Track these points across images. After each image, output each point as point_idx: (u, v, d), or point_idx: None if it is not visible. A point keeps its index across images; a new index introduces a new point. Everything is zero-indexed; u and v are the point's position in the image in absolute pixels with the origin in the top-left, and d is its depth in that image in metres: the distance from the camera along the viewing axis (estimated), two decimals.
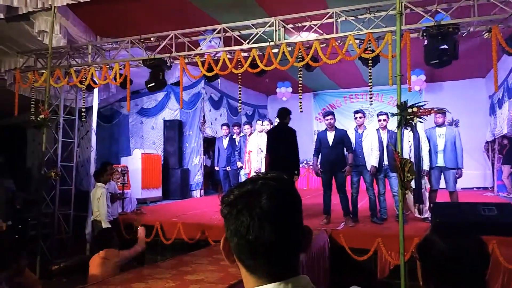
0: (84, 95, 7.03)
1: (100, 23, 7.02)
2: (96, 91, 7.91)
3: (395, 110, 4.13)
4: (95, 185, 5.83)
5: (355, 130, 6.20)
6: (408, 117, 3.83)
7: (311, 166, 6.16)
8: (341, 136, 5.96)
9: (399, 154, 4.00)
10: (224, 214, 0.84)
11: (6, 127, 10.16)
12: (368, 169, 5.96)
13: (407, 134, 5.73)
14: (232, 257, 0.84)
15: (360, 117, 6.15)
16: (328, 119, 6.03)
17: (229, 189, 0.87)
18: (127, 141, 10.19)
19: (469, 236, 1.24)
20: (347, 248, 5.13)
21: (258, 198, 0.80)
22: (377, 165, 5.93)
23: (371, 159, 5.94)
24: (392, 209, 6.15)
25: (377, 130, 6.15)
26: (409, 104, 4.00)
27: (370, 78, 5.41)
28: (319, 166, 6.05)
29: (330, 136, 5.99)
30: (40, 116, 6.19)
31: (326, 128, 6.14)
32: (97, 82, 6.93)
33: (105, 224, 5.51)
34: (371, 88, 5.47)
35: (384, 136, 6.05)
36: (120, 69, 6.67)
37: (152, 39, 6.54)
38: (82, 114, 7.00)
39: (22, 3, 5.76)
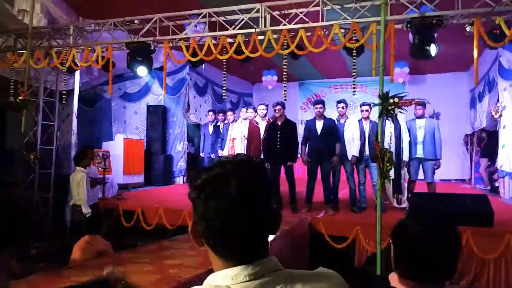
0: (65, 77, 6.88)
1: (82, 4, 6.85)
2: (77, 73, 7.75)
3: (377, 101, 4.18)
4: (75, 169, 5.75)
5: (337, 120, 6.25)
6: (389, 107, 3.87)
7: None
8: (330, 126, 5.99)
9: (380, 144, 4.05)
10: (192, 198, 0.83)
11: None
12: (349, 158, 6.03)
13: (389, 125, 5.81)
14: (200, 240, 0.84)
15: (343, 107, 6.20)
16: (317, 108, 6.05)
17: (197, 172, 0.85)
18: (109, 125, 10.04)
19: (441, 221, 1.27)
20: (326, 236, 5.21)
21: (226, 182, 0.79)
22: (358, 155, 6.00)
23: (352, 149, 6.01)
24: (372, 198, 6.24)
25: (359, 120, 6.21)
26: (391, 95, 4.04)
27: (354, 68, 5.44)
28: (306, 155, 6.10)
29: (319, 125, 6.02)
30: (19, 98, 6.05)
31: (315, 117, 6.16)
32: (78, 64, 6.78)
33: (85, 209, 5.46)
34: (354, 78, 5.50)
35: (366, 126, 6.11)
36: (103, 51, 6.52)
37: (136, 22, 6.39)
38: (63, 96, 6.86)
39: None
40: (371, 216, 5.58)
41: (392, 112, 4.06)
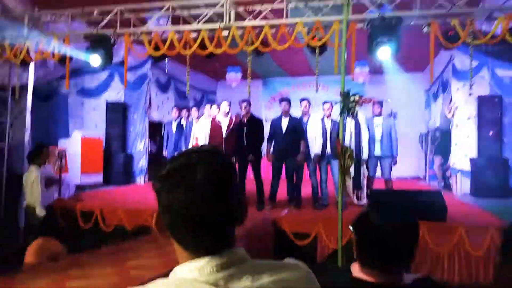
0: (18, 70, 6.52)
1: None
2: (32, 67, 7.37)
3: (339, 99, 4.26)
4: (28, 169, 5.46)
5: (300, 118, 6.32)
6: (350, 105, 3.96)
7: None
8: (295, 124, 6.05)
9: (341, 142, 4.14)
10: (157, 189, 0.81)
11: None
12: (312, 156, 6.12)
13: (349, 123, 5.95)
14: (165, 232, 0.82)
15: (306, 106, 6.29)
16: (283, 105, 6.10)
17: (161, 163, 0.84)
18: (66, 122, 9.60)
19: (402, 212, 1.31)
20: (289, 233, 5.26)
21: (192, 172, 0.77)
22: (320, 153, 6.10)
23: (315, 147, 6.10)
24: (333, 196, 6.38)
25: (322, 118, 6.32)
26: (351, 93, 4.14)
27: (317, 67, 5.53)
28: (271, 152, 6.13)
29: (284, 123, 6.06)
30: None
31: (280, 115, 6.20)
32: (33, 57, 6.45)
33: (40, 211, 5.20)
34: (317, 76, 5.59)
35: (328, 124, 6.22)
36: (59, 44, 6.24)
37: (95, 13, 6.16)
38: (16, 91, 6.50)
39: None
40: (331, 212, 5.71)
41: (353, 109, 4.16)
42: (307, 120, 6.26)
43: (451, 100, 8.07)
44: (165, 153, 8.27)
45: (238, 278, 0.76)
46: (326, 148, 6.15)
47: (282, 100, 6.24)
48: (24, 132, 7.57)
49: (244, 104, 6.11)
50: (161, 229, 0.82)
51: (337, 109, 4.60)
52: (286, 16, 5.49)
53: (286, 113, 6.09)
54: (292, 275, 0.82)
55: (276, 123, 6.17)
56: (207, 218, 0.77)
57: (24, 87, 7.32)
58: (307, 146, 6.11)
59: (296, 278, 0.83)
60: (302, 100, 6.38)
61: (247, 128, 6.10)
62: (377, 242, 1.25)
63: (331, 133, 6.05)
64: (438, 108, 9.17)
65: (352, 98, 3.93)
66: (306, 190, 6.69)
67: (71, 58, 6.24)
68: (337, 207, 4.32)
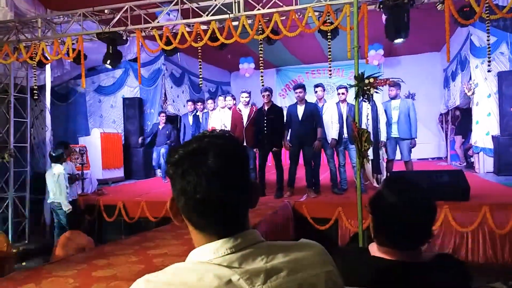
0: (35, 72, 6.67)
1: None
2: (48, 68, 7.53)
3: (353, 83, 4.21)
4: (51, 166, 5.61)
5: (315, 103, 6.28)
6: (365, 88, 3.90)
7: None
8: (311, 110, 6.01)
9: (357, 125, 4.09)
10: (170, 174, 0.82)
11: None
12: (329, 141, 6.09)
13: (366, 107, 5.88)
14: (180, 216, 0.83)
15: (320, 91, 6.23)
16: (297, 92, 6.06)
17: (174, 148, 0.85)
18: (85, 120, 9.80)
19: (417, 190, 1.30)
20: (309, 218, 5.28)
21: (204, 156, 0.78)
22: (337, 138, 6.06)
23: (332, 132, 6.06)
24: (353, 180, 6.35)
25: (337, 103, 6.26)
26: (366, 76, 4.07)
27: (330, 51, 5.46)
28: (288, 139, 6.12)
29: (300, 110, 6.03)
30: None
31: (296, 102, 6.17)
32: (48, 57, 6.58)
33: (65, 206, 5.36)
34: (330, 60, 5.52)
35: (344, 109, 6.17)
36: (73, 43, 6.34)
37: (106, 11, 6.22)
38: (35, 92, 6.66)
39: None
40: (351, 196, 5.69)
41: (368, 92, 4.10)
42: (322, 106, 6.21)
43: (470, 77, 7.86)
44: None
45: (253, 259, 0.78)
46: (343, 132, 6.11)
47: (296, 87, 6.19)
48: (44, 131, 7.76)
49: (266, 93, 6.10)
50: (175, 214, 0.84)
51: (352, 93, 4.56)
52: (296, 3, 5.42)
53: (301, 100, 6.05)
54: (306, 254, 0.83)
55: (292, 110, 6.14)
56: (220, 200, 0.78)
57: (42, 88, 7.50)
58: (324, 132, 6.07)
59: (310, 256, 0.83)
60: (316, 86, 6.32)
61: (269, 117, 6.08)
62: (392, 220, 1.24)
63: (347, 118, 6.00)
64: (457, 87, 8.95)
65: (367, 81, 3.87)
66: (324, 175, 6.68)
67: (85, 57, 6.34)
68: (356, 190, 4.31)
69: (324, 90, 6.32)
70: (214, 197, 0.78)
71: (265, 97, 6.10)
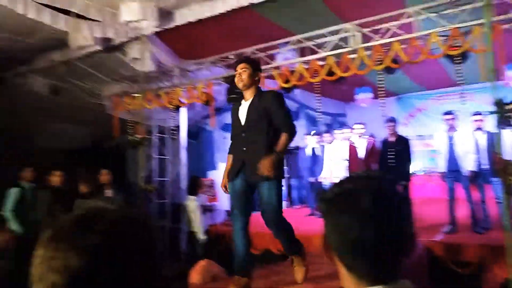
0: (173, 114, 7.56)
1: (182, 47, 7.53)
2: (184, 110, 8.45)
3: (489, 108, 3.81)
4: (187, 198, 6.18)
5: (447, 132, 5.78)
6: (506, 114, 3.50)
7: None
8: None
9: (499, 156, 3.66)
10: (323, 211, 0.84)
11: (107, 148, 11.25)
12: (464, 174, 5.50)
13: (509, 135, 5.20)
14: (331, 254, 0.85)
15: (451, 119, 5.74)
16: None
17: (328, 187, 0.87)
18: (212, 156, 10.65)
19: None
20: (447, 260, 4.75)
21: (358, 197, 0.80)
22: (475, 170, 5.45)
23: (467, 163, 5.48)
24: (496, 217, 5.57)
25: (472, 131, 5.67)
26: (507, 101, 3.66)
27: (461, 76, 5.04)
28: None
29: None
30: (137, 136, 6.80)
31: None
32: (184, 101, 7.42)
33: (201, 235, 5.79)
34: (463, 85, 5.09)
35: (481, 137, 5.55)
36: (203, 88, 7.06)
37: (230, 57, 6.83)
38: (173, 132, 7.52)
39: (115, 35, 6.39)
40: (496, 236, 4.98)
41: (510, 119, 3.66)
42: (454, 134, 5.69)
43: None
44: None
45: None
46: (482, 164, 5.47)
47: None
48: (180, 167, 8.65)
49: (390, 124, 5.90)
50: (327, 250, 0.85)
51: (489, 120, 4.11)
52: (415, 30, 5.19)
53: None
54: None
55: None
56: (373, 243, 0.78)
57: (178, 128, 8.45)
58: (456, 164, 5.52)
59: None
60: (446, 113, 5.83)
61: (395, 149, 5.82)
62: None
63: (488, 147, 5.37)
64: None
65: (508, 107, 3.47)
66: (462, 211, 6.00)
67: (214, 99, 6.98)
68: (503, 230, 3.78)
69: (455, 117, 5.80)
70: (367, 239, 0.78)
71: (390, 128, 5.86)
